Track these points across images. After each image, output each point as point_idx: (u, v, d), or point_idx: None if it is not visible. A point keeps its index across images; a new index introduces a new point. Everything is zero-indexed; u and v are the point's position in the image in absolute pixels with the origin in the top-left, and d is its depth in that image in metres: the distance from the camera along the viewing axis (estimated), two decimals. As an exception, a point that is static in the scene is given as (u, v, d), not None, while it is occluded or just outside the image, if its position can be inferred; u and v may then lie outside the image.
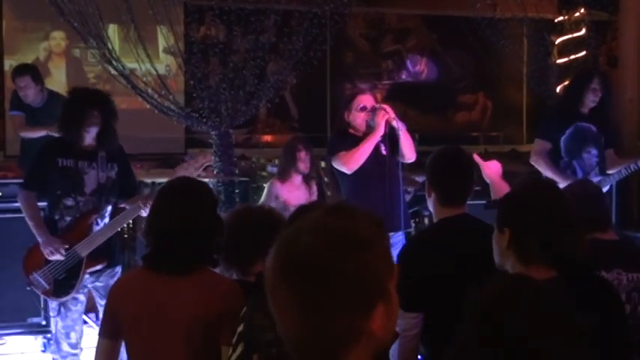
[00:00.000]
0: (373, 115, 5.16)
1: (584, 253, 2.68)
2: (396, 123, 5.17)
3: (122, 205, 4.92)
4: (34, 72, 7.12)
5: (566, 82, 6.92)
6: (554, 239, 2.55)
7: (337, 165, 5.32)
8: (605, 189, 5.93)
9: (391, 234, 5.10)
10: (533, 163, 6.12)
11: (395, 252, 4.76)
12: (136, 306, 2.91)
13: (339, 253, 1.42)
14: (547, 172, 5.87)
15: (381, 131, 5.14)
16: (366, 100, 5.31)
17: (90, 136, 4.69)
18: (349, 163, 5.23)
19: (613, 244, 3.29)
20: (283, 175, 6.69)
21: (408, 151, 5.24)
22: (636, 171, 5.98)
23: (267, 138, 11.68)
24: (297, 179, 6.63)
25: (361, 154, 5.17)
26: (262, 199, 6.73)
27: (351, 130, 5.36)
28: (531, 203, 2.63)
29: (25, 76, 6.98)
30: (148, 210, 4.35)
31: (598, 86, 6.00)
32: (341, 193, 5.55)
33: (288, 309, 1.42)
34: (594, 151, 5.89)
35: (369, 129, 5.26)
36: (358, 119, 5.28)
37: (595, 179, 5.87)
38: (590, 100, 6.01)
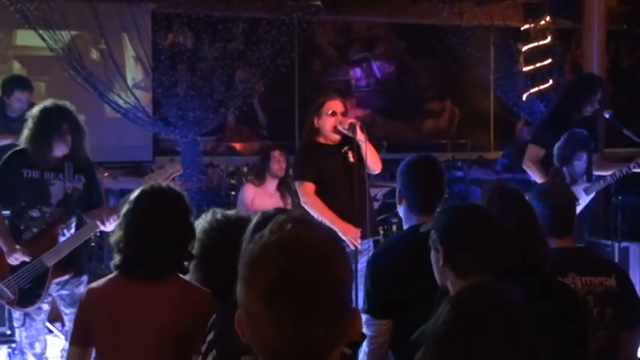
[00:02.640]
0: (352, 131, 5.12)
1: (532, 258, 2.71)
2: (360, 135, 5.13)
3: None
4: (32, 89, 7.07)
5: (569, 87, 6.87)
6: (487, 250, 2.55)
7: (299, 191, 5.30)
8: (591, 195, 5.97)
9: (359, 241, 5.10)
10: (525, 168, 6.13)
11: (363, 259, 4.81)
12: (107, 313, 2.89)
13: (326, 264, 1.42)
14: (538, 179, 5.87)
15: (346, 235, 5.00)
16: (336, 105, 5.28)
17: (59, 149, 4.67)
18: (306, 204, 5.18)
19: (569, 250, 3.32)
20: (258, 178, 6.66)
21: (373, 163, 5.25)
22: (628, 175, 6.00)
23: (236, 145, 11.65)
24: (272, 186, 6.60)
25: (319, 215, 5.05)
26: (238, 204, 6.70)
27: (320, 139, 5.30)
28: (459, 219, 2.64)
29: (26, 92, 6.91)
30: (109, 225, 4.47)
31: (598, 99, 6.04)
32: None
33: (268, 323, 1.40)
34: (584, 157, 5.92)
35: (340, 135, 5.23)
36: (327, 124, 5.24)
37: (583, 185, 5.91)
38: (587, 111, 6.06)
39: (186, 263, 3.01)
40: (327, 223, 4.97)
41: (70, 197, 4.73)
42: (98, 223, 4.54)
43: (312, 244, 1.44)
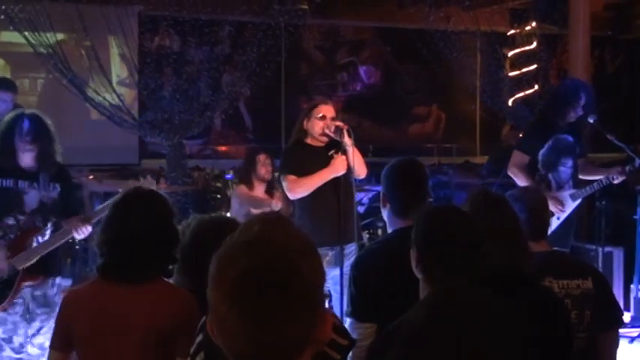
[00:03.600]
0: (339, 134, 5.14)
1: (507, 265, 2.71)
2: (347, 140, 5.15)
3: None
4: (16, 90, 7.02)
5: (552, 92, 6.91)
6: (458, 262, 2.55)
7: (284, 186, 5.31)
8: (577, 201, 5.99)
9: (345, 246, 5.10)
10: (510, 174, 6.13)
11: (348, 262, 4.81)
12: (89, 317, 2.88)
13: (292, 264, 1.41)
14: (522, 184, 5.81)
15: (338, 170, 5.11)
16: (327, 110, 5.30)
17: (25, 158, 4.72)
18: (293, 191, 5.21)
19: (545, 255, 3.33)
20: (245, 183, 6.66)
21: (359, 168, 5.24)
22: (610, 184, 6.02)
23: (222, 149, 11.64)
24: (260, 189, 6.59)
25: (308, 187, 5.14)
26: (232, 206, 6.70)
27: (308, 140, 5.33)
28: (435, 227, 2.64)
29: (9, 93, 6.85)
30: (82, 233, 4.63)
31: (582, 105, 6.05)
32: (291, 205, 5.54)
33: (234, 323, 1.40)
34: (569, 163, 5.93)
35: (328, 139, 5.24)
36: (316, 127, 5.27)
37: (569, 192, 5.93)
38: (572, 116, 6.07)
39: (170, 267, 3.01)
40: (317, 182, 5.09)
41: (45, 206, 4.80)
42: (73, 230, 4.64)
43: (279, 244, 1.44)
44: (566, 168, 5.92)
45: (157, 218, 2.97)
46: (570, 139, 5.93)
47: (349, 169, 5.09)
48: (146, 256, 2.90)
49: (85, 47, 8.38)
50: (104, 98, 8.54)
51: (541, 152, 5.93)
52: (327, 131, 5.19)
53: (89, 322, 2.87)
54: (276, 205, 6.34)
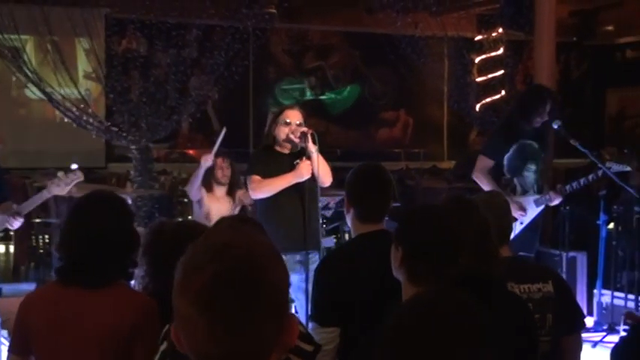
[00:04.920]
0: (303, 139, 5.10)
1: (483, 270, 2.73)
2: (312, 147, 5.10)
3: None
4: None
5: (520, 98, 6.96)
6: (444, 261, 2.56)
7: (248, 186, 5.30)
8: (541, 207, 6.04)
9: (311, 253, 5.09)
10: (475, 179, 6.16)
11: (313, 267, 4.80)
12: (47, 320, 2.85)
13: (259, 268, 1.42)
14: (487, 189, 5.83)
15: (302, 175, 5.06)
16: (292, 115, 5.25)
17: None
18: (256, 191, 5.18)
19: (507, 259, 3.35)
20: (204, 186, 6.65)
21: (324, 175, 5.15)
22: (585, 186, 6.08)
23: (189, 152, 11.60)
24: (220, 191, 6.57)
25: (271, 189, 5.10)
26: (194, 209, 6.68)
27: (276, 147, 5.28)
28: (422, 225, 2.65)
29: None
30: (17, 223, 4.73)
31: (548, 110, 6.10)
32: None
33: (201, 328, 1.40)
34: (534, 168, 5.98)
35: (292, 145, 5.21)
36: (281, 133, 5.23)
37: (533, 197, 5.97)
38: (537, 122, 6.11)
39: (130, 270, 2.99)
40: (281, 185, 5.05)
41: None
42: (9, 219, 4.71)
43: (245, 248, 1.44)
44: (531, 173, 5.97)
45: (116, 221, 2.94)
46: (534, 143, 5.98)
47: (314, 176, 5.06)
48: (105, 259, 2.87)
49: (51, 43, 8.29)
50: (70, 101, 8.46)
51: (506, 157, 5.97)
52: (291, 137, 5.13)
53: (46, 326, 2.84)
54: (205, 161, 6.32)
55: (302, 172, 5.06)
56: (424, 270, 2.56)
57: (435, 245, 2.56)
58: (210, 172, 6.52)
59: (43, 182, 8.27)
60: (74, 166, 5.14)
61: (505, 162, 5.99)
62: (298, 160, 5.16)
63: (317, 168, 5.02)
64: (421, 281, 2.55)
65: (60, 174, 4.99)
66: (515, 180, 6.00)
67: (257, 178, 5.18)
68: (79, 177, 4.97)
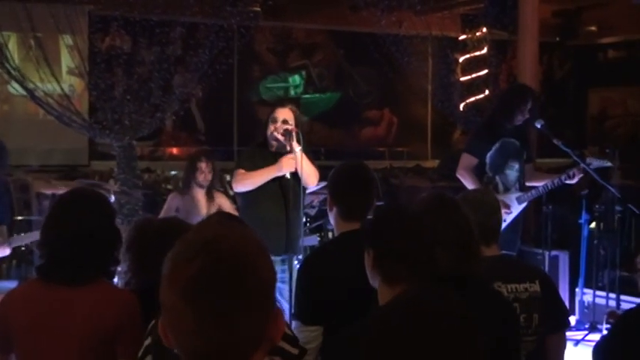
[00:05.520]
0: (288, 137, 5.08)
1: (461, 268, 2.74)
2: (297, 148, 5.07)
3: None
4: None
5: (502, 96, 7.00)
6: (417, 259, 2.57)
7: (232, 182, 5.29)
8: (523, 204, 6.06)
9: (295, 257, 5.08)
10: (459, 177, 6.17)
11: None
12: (28, 318, 2.83)
13: (248, 262, 1.42)
14: (472, 187, 5.85)
15: (279, 172, 5.04)
16: (280, 113, 5.24)
17: None
18: (238, 183, 5.18)
19: (494, 259, 3.36)
20: (183, 188, 6.62)
21: (308, 176, 5.09)
22: (560, 186, 6.10)
23: (173, 150, 11.57)
24: (199, 192, 6.55)
25: (253, 182, 5.09)
26: (162, 213, 6.61)
27: (269, 146, 5.26)
28: (391, 224, 2.65)
29: None
30: (2, 253, 4.89)
31: (529, 108, 6.13)
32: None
33: (189, 322, 1.40)
34: (516, 166, 6.00)
35: (278, 143, 5.19)
36: (268, 131, 5.25)
37: (515, 194, 5.99)
38: (519, 120, 6.14)
39: (112, 268, 2.98)
40: (263, 177, 5.03)
41: None
42: None
43: (234, 242, 1.45)
44: (513, 171, 5.99)
45: (97, 218, 2.94)
46: (516, 142, 6.01)
47: (297, 174, 5.03)
48: (86, 256, 2.86)
49: (34, 39, 8.25)
50: (54, 88, 8.42)
51: (489, 155, 6.00)
52: (275, 134, 5.13)
53: (27, 324, 2.83)
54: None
55: (282, 165, 5.02)
56: (399, 269, 2.56)
57: (410, 244, 2.56)
58: (191, 175, 6.51)
59: (25, 180, 8.25)
60: None
61: (487, 160, 6.02)
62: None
63: (300, 165, 4.98)
64: (399, 282, 2.54)
65: None
66: (497, 178, 6.02)
67: (241, 171, 5.17)
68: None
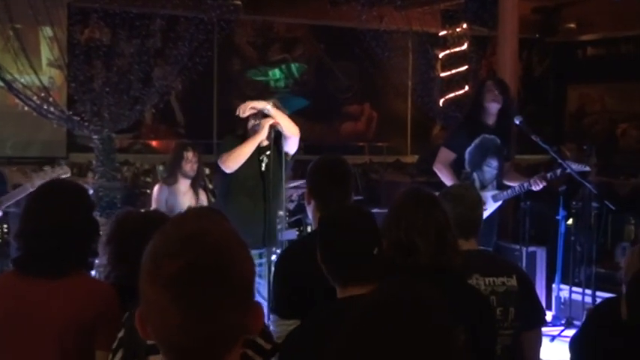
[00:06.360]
0: (260, 116, 5.18)
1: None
2: (281, 128, 5.18)
3: None
4: None
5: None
6: (361, 259, 2.59)
7: (220, 165, 5.32)
8: (499, 202, 6.08)
9: (273, 250, 5.11)
10: (436, 170, 6.19)
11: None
12: (4, 310, 2.81)
13: (229, 256, 1.43)
14: (448, 182, 5.90)
15: (262, 134, 5.14)
16: (260, 103, 5.30)
17: None
18: (227, 162, 5.22)
19: (473, 253, 3.39)
20: (169, 178, 6.59)
21: (287, 128, 5.28)
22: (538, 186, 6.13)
23: (153, 143, 11.51)
24: (185, 184, 6.53)
25: (240, 154, 5.17)
26: (153, 204, 6.60)
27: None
28: (330, 231, 2.70)
29: None
30: None
31: (493, 87, 6.14)
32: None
33: (172, 316, 1.40)
34: (495, 163, 6.01)
35: (251, 124, 5.27)
36: (249, 125, 5.31)
37: (492, 192, 6.02)
38: (491, 101, 6.12)
39: (90, 260, 2.97)
40: (248, 149, 5.17)
41: None
42: None
43: (217, 236, 1.45)
44: (491, 168, 6.02)
45: (75, 210, 2.92)
46: (497, 140, 6.03)
47: (279, 165, 5.10)
48: (64, 248, 2.84)
49: (13, 30, 8.19)
50: (32, 80, 8.36)
51: (468, 150, 6.02)
52: (243, 115, 5.26)
53: (4, 317, 2.81)
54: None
55: (264, 127, 5.16)
56: (340, 274, 2.60)
57: (345, 252, 2.61)
58: (177, 165, 6.50)
59: (2, 170, 8.19)
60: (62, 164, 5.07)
61: (466, 155, 6.04)
62: (263, 156, 5.22)
63: (278, 119, 5.19)
64: (345, 286, 2.61)
65: (46, 167, 4.89)
66: (475, 174, 6.05)
67: (225, 153, 5.24)
68: (66, 171, 4.89)
